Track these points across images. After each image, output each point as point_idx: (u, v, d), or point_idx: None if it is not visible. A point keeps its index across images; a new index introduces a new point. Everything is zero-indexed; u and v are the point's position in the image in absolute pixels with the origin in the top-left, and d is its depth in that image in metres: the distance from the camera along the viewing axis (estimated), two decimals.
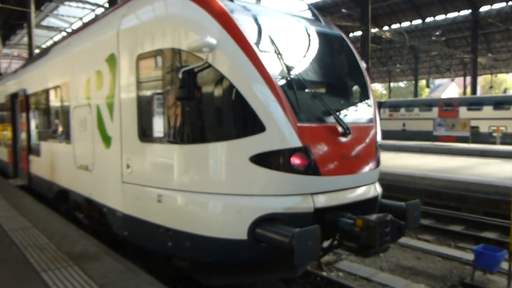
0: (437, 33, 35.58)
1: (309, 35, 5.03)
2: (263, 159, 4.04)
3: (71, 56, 7.17)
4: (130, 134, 5.12)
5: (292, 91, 4.29)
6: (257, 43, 4.29)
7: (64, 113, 7.36)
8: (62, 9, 34.05)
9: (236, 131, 4.19)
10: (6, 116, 12.56)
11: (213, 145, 4.26)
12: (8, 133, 12.27)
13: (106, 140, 5.72)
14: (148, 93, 4.86)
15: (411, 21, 40.92)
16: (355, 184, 4.66)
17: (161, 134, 4.68)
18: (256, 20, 4.58)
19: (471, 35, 39.48)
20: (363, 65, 5.51)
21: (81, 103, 6.54)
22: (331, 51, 5.38)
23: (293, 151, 4.06)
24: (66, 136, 7.25)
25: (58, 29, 35.45)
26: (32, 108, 9.76)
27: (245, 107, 4.06)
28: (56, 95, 7.84)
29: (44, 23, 35.96)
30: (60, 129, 7.68)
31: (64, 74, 7.37)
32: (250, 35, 4.28)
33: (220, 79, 4.18)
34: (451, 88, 77.63)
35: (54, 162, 8.06)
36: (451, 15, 39.38)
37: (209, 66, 4.18)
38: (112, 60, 5.45)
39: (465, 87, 53.06)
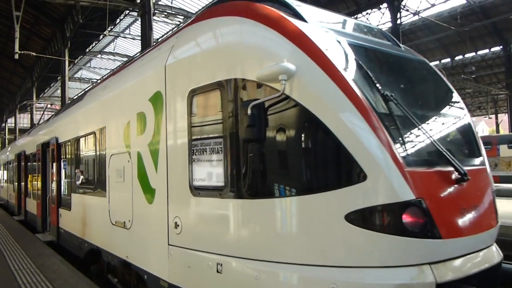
0: (470, 70, 34.52)
1: (395, 60, 4.15)
2: (364, 218, 3.02)
3: (108, 99, 6.53)
4: (180, 186, 4.22)
5: (394, 127, 3.32)
6: (344, 69, 3.39)
7: (99, 162, 6.61)
8: (94, 62, 35.38)
9: (326, 181, 3.21)
10: (36, 167, 12.07)
11: (293, 200, 3.27)
12: (37, 184, 11.71)
13: (149, 192, 4.84)
14: (204, 135, 3.99)
15: (439, 60, 40.18)
16: (478, 247, 3.52)
17: (221, 186, 3.75)
18: (336, 42, 3.72)
19: (504, 71, 38.23)
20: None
21: (119, 150, 5.76)
22: (423, 79, 4.44)
23: (405, 205, 3.02)
24: (101, 188, 6.44)
25: (90, 81, 36.70)
26: (63, 157, 9.14)
27: (338, 149, 3.10)
28: (90, 142, 7.16)
29: (77, 75, 37.34)
30: (94, 180, 6.90)
31: (100, 119, 6.71)
32: (334, 59, 3.41)
33: (301, 113, 3.26)
34: (480, 127, 75.13)
35: (86, 217, 7.22)
36: (480, 52, 38.53)
37: (286, 97, 3.30)
38: (157, 100, 4.69)
39: (497, 125, 50.88)
